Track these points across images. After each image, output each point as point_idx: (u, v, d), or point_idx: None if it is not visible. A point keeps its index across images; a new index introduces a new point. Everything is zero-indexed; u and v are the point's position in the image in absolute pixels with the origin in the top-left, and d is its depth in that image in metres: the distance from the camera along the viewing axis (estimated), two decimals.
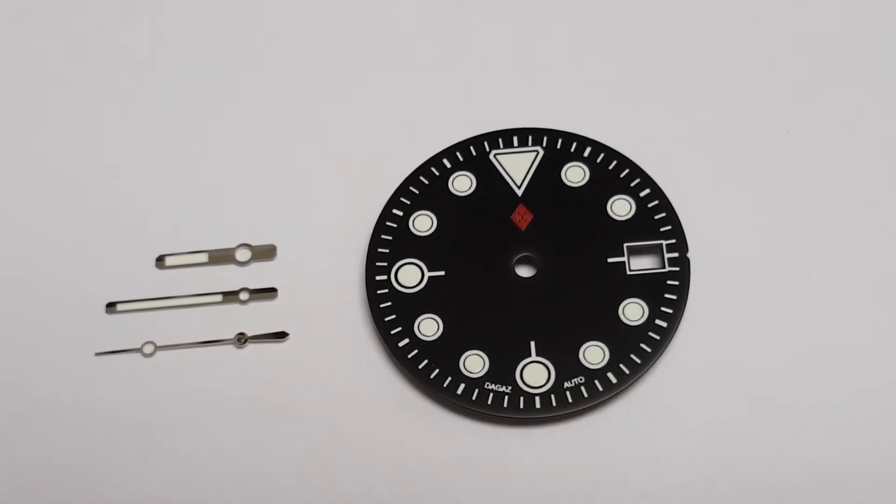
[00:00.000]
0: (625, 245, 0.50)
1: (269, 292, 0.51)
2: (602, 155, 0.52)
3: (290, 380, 0.49)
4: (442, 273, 0.50)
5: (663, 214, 0.50)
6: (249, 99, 0.55)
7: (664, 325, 0.48)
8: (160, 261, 0.52)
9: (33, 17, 0.57)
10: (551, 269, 0.50)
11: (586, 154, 0.52)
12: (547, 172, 0.52)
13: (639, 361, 0.48)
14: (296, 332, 0.50)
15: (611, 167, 0.51)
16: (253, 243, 0.52)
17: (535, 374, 0.48)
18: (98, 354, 0.50)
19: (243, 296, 0.51)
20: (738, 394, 0.48)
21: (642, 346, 0.48)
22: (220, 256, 0.52)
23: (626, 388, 0.48)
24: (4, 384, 0.50)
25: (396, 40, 0.56)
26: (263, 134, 0.54)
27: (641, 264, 0.50)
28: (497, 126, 0.53)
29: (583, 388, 0.48)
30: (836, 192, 0.52)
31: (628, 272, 0.49)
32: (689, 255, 0.50)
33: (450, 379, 0.48)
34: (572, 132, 0.52)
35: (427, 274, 0.50)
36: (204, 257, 0.52)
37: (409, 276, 0.50)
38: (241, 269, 0.52)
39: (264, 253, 0.52)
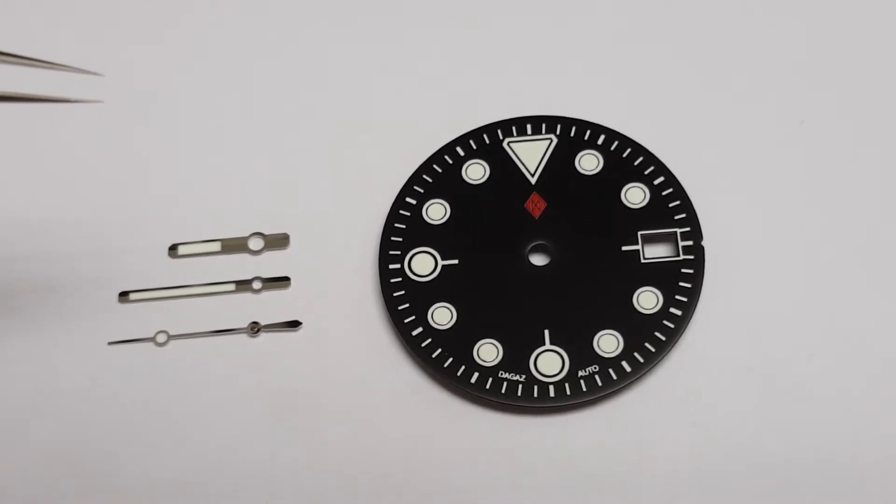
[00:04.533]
0: (639, 233, 0.50)
1: (282, 281, 0.51)
2: (616, 143, 0.52)
3: (304, 369, 0.49)
4: (455, 262, 0.50)
5: (678, 202, 0.50)
6: (262, 88, 0.55)
7: (678, 313, 0.48)
8: (173, 250, 0.52)
9: (48, 5, 0.57)
10: (565, 257, 0.50)
11: (600, 142, 0.52)
12: (561, 160, 0.51)
13: (653, 350, 0.48)
14: (309, 320, 0.50)
15: (625, 155, 0.51)
16: (266, 232, 0.52)
17: (549, 362, 0.48)
18: (111, 343, 0.50)
19: (256, 285, 0.51)
20: (754, 382, 0.48)
21: (657, 334, 0.48)
22: (233, 245, 0.52)
23: (641, 376, 0.48)
24: (18, 373, 0.50)
25: (409, 28, 0.56)
26: (276, 123, 0.54)
27: (656, 252, 0.50)
28: (510, 114, 0.53)
29: (597, 377, 0.47)
30: (850, 180, 0.52)
31: (643, 260, 0.49)
32: (703, 243, 0.50)
33: (463, 368, 0.48)
34: (586, 120, 0.52)
35: (440, 262, 0.50)
36: (217, 246, 0.52)
37: (423, 264, 0.50)
38: (255, 258, 0.52)
39: (277, 242, 0.52)
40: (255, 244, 0.52)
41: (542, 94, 0.54)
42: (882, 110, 0.53)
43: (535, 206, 0.51)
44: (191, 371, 0.49)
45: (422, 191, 0.51)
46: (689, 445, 0.47)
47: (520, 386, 0.48)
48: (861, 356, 0.48)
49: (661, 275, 0.49)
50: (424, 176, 0.51)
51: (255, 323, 0.50)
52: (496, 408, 0.48)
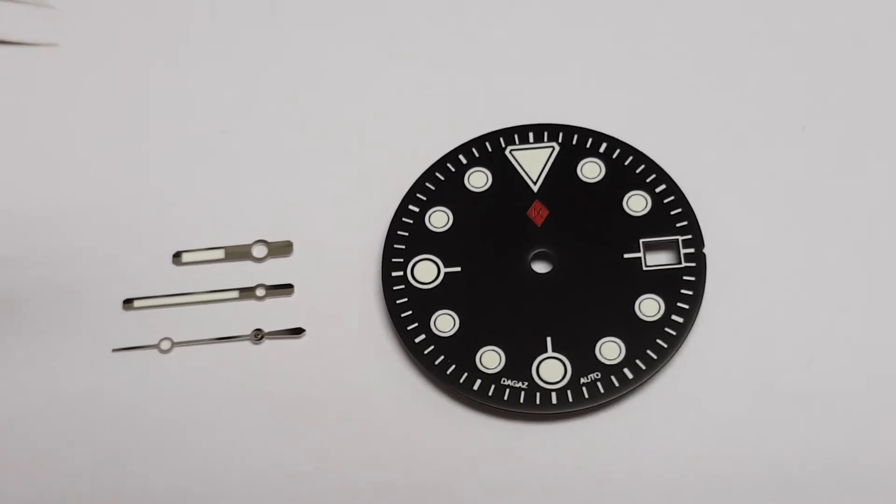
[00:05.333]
0: (641, 241, 0.50)
1: (286, 288, 0.51)
2: (618, 151, 0.52)
3: (307, 375, 0.49)
4: (458, 269, 0.50)
5: (679, 210, 0.50)
6: (266, 97, 0.55)
7: (680, 320, 0.48)
8: (177, 257, 0.52)
9: (56, 14, 0.57)
10: (567, 264, 0.50)
11: (602, 150, 0.52)
12: (563, 168, 0.52)
13: (655, 357, 0.48)
14: (312, 328, 0.50)
15: (627, 163, 0.51)
16: (269, 240, 0.52)
17: (552, 369, 0.48)
18: (115, 350, 0.50)
19: (260, 292, 0.51)
20: (755, 388, 0.48)
21: (658, 341, 0.48)
22: (237, 253, 0.52)
23: (643, 383, 0.48)
24: (23, 379, 0.50)
25: (412, 36, 0.56)
26: (279, 131, 0.54)
27: (657, 260, 0.50)
28: (513, 122, 0.53)
29: (599, 384, 0.48)
30: (851, 186, 0.52)
31: (644, 268, 0.49)
32: (704, 250, 0.50)
33: (466, 375, 0.48)
34: (588, 128, 0.52)
35: (443, 270, 0.50)
36: (221, 254, 0.52)
37: (426, 272, 0.50)
38: (258, 266, 0.52)
39: (281, 249, 0.52)
40: (258, 252, 0.52)
41: (544, 101, 0.54)
42: (883, 116, 0.53)
43: (538, 213, 0.51)
44: (194, 378, 0.50)
45: (424, 198, 0.51)
46: (690, 451, 0.47)
47: (522, 393, 0.48)
48: (862, 361, 0.48)
49: (663, 282, 0.49)
50: (427, 183, 0.52)
51: (258, 330, 0.50)
52: (499, 415, 0.48)
